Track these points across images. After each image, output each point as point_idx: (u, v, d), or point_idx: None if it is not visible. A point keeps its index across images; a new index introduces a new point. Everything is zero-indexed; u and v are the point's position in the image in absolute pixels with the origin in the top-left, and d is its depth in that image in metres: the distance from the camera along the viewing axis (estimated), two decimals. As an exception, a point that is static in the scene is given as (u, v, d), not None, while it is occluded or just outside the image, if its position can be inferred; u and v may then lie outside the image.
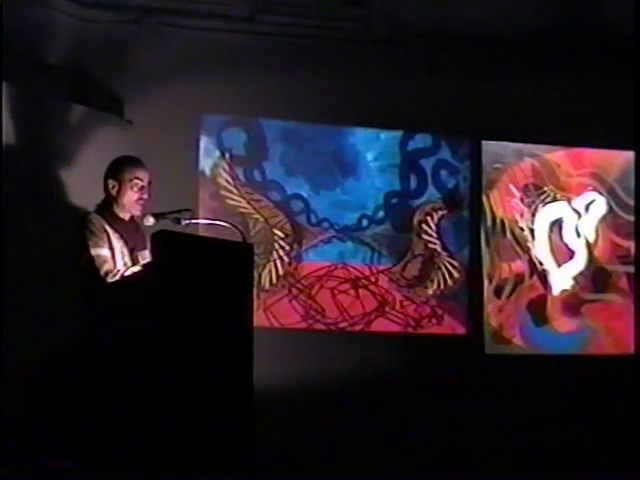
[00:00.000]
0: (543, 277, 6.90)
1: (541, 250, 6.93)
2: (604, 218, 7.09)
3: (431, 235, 6.71)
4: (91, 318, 4.28)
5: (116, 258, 4.37)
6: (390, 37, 6.59)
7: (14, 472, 4.05)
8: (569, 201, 7.05)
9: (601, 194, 7.11)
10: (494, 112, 6.63)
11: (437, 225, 6.72)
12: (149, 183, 4.51)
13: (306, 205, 6.52)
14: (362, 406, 6.00)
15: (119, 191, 4.48)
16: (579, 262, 7.00)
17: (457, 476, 4.85)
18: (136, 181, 4.47)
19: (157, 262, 4.05)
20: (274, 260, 6.40)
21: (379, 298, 6.55)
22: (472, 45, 6.65)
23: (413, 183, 6.75)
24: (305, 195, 6.53)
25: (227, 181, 6.38)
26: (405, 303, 6.59)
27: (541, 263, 6.91)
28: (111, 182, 4.50)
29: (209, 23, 6.32)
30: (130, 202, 4.48)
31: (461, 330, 6.67)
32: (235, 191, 6.39)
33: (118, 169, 4.50)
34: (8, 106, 5.24)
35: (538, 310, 6.85)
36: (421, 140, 6.78)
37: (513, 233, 6.88)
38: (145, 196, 4.50)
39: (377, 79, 6.43)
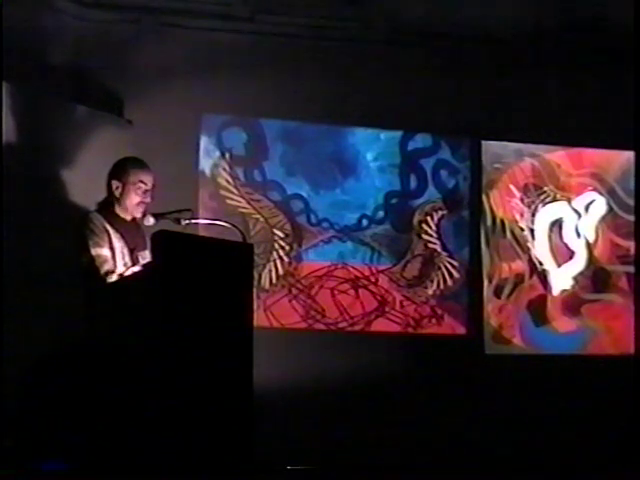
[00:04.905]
0: (543, 277, 6.90)
1: (541, 250, 6.93)
2: (604, 218, 7.09)
3: (431, 235, 6.71)
4: (91, 318, 4.28)
5: (116, 258, 4.36)
6: (390, 37, 6.59)
7: (13, 472, 4.05)
8: (569, 201, 7.05)
9: (601, 194, 7.11)
10: (494, 112, 6.63)
11: (437, 225, 6.72)
12: (153, 187, 4.51)
13: (306, 205, 6.52)
14: (362, 406, 6.00)
15: (122, 192, 4.48)
16: (579, 262, 7.00)
17: (457, 476, 4.86)
18: (140, 184, 4.47)
19: (157, 262, 4.05)
20: (274, 260, 6.40)
21: (379, 298, 6.55)
22: (472, 45, 6.65)
23: (413, 183, 6.75)
24: (305, 195, 6.53)
25: (227, 181, 6.38)
26: (405, 303, 6.59)
27: (541, 263, 6.91)
28: (115, 183, 4.49)
29: (209, 23, 6.32)
30: (132, 205, 4.48)
31: (461, 330, 6.66)
32: (235, 191, 6.39)
33: (123, 170, 4.49)
34: (8, 106, 5.24)
35: (538, 310, 6.85)
36: (421, 140, 6.78)
37: (513, 233, 6.88)
38: (147, 200, 4.50)
39: (377, 79, 6.43)
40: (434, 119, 6.61)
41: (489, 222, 6.84)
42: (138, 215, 4.50)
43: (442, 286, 6.67)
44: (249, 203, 6.41)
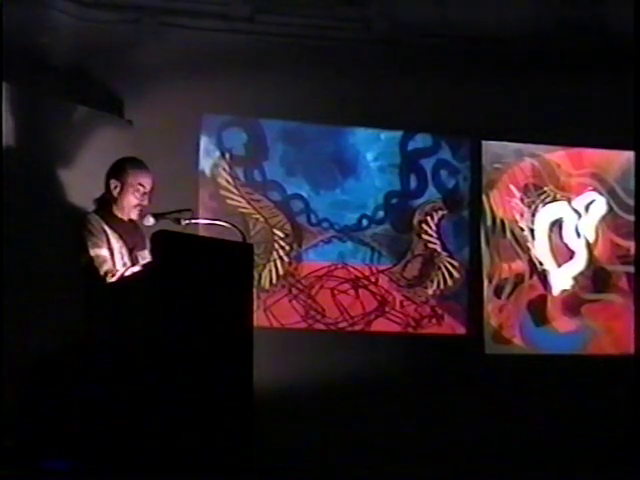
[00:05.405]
0: (543, 277, 6.89)
1: (541, 250, 6.92)
2: (604, 218, 7.09)
3: (431, 235, 6.71)
4: (91, 318, 4.28)
5: (115, 258, 4.37)
6: (390, 37, 6.58)
7: (13, 472, 4.05)
8: (569, 201, 7.05)
9: (601, 194, 7.11)
10: (494, 112, 6.63)
11: (437, 225, 6.72)
12: (151, 189, 4.51)
13: (306, 205, 6.52)
14: (362, 406, 6.00)
15: (120, 193, 4.48)
16: (579, 262, 7.00)
17: (457, 475, 4.85)
18: (139, 187, 4.48)
19: (157, 262, 4.05)
20: (274, 260, 6.40)
21: (379, 298, 6.55)
22: (472, 45, 6.65)
23: (413, 183, 6.75)
24: (305, 195, 6.53)
25: (227, 181, 6.38)
26: (405, 303, 6.59)
27: (541, 263, 6.91)
28: (114, 182, 4.50)
29: (209, 23, 6.31)
30: (129, 206, 4.48)
31: (461, 330, 6.66)
32: (235, 191, 6.39)
33: (122, 171, 4.50)
34: (8, 106, 5.24)
35: (538, 310, 6.85)
36: (421, 140, 6.78)
37: (513, 233, 6.88)
38: (145, 202, 4.50)
39: (377, 79, 6.42)
40: (434, 119, 6.60)
41: (489, 222, 6.84)
42: (135, 216, 4.51)
43: (442, 286, 6.67)
44: (249, 203, 6.41)
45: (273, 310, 6.33)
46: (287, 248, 6.44)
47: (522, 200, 6.93)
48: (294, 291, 6.41)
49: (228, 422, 4.06)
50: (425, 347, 6.47)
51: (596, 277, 7.01)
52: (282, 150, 6.52)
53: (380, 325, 6.52)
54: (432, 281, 6.66)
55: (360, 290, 6.53)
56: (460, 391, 6.24)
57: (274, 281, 6.38)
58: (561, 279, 6.93)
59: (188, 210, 4.59)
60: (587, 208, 7.07)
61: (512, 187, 6.92)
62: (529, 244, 6.90)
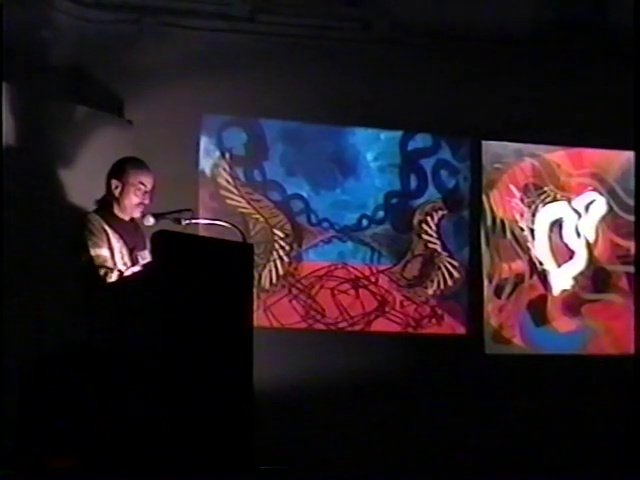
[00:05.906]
0: (543, 277, 6.90)
1: (541, 250, 6.93)
2: (604, 218, 7.09)
3: (431, 235, 6.71)
4: (91, 318, 4.28)
5: (115, 258, 4.37)
6: (390, 37, 6.59)
7: (14, 472, 4.05)
8: (569, 201, 7.05)
9: (601, 194, 7.11)
10: (494, 112, 6.63)
11: (437, 225, 6.72)
12: (152, 188, 4.52)
13: (306, 205, 6.52)
14: (362, 406, 6.00)
15: (122, 192, 4.49)
16: (579, 262, 7.00)
17: (457, 476, 4.86)
18: (140, 186, 4.49)
19: (157, 262, 4.05)
20: (274, 260, 6.40)
21: (379, 298, 6.55)
22: (472, 45, 6.65)
23: (413, 183, 6.75)
24: (305, 195, 6.53)
25: (227, 181, 6.38)
26: (405, 303, 6.59)
27: (541, 263, 6.91)
28: (115, 182, 4.50)
29: (209, 23, 6.32)
30: (131, 205, 4.49)
31: (461, 330, 6.66)
32: (235, 191, 6.39)
33: (124, 170, 4.50)
34: (8, 106, 5.24)
35: (538, 310, 6.85)
36: (421, 140, 6.78)
37: (513, 233, 6.88)
38: (146, 201, 4.51)
39: (377, 79, 6.43)
40: (434, 119, 6.60)
41: (489, 222, 6.84)
42: (136, 216, 4.51)
43: (442, 286, 6.67)
44: (249, 203, 6.41)
45: (273, 310, 6.33)
46: (287, 248, 6.45)
47: (522, 200, 6.93)
48: (294, 291, 6.41)
49: (228, 422, 4.06)
50: (425, 347, 6.47)
51: (596, 277, 7.01)
52: (282, 150, 6.52)
53: (380, 325, 6.52)
54: (432, 281, 6.66)
55: (360, 290, 6.53)
56: (460, 391, 6.24)
57: (274, 281, 6.38)
58: (561, 279, 6.93)
59: (188, 210, 4.59)
60: (587, 208, 7.08)
61: (512, 187, 6.92)
62: (529, 244, 6.90)
